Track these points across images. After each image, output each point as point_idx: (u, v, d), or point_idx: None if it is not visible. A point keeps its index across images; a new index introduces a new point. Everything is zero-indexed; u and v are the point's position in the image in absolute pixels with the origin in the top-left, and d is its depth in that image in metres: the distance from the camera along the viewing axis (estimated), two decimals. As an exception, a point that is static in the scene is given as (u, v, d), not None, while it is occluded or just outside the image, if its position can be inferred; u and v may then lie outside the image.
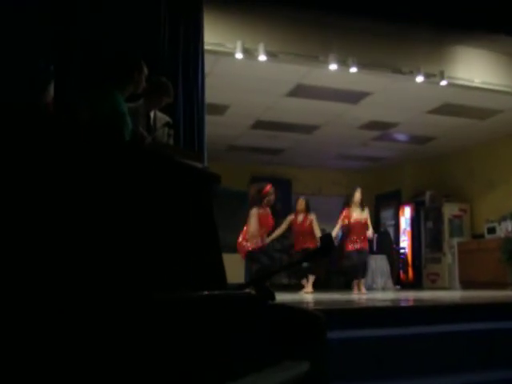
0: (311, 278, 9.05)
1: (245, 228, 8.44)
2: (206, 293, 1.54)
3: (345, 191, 11.04)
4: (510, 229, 10.69)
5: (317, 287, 9.29)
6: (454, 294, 9.03)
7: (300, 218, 9.33)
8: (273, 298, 1.76)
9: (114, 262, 1.35)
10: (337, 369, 3.29)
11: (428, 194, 13.49)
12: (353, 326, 4.25)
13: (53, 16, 5.19)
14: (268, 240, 8.64)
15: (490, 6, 7.35)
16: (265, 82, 8.66)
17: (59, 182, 1.27)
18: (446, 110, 10.02)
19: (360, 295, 8.38)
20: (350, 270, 9.22)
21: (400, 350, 4.05)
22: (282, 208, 9.54)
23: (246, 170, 13.12)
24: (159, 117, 5.20)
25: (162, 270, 1.49)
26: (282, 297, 2.71)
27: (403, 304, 6.21)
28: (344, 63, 7.70)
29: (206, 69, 6.49)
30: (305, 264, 8.66)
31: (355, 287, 9.10)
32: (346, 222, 9.12)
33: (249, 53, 7.26)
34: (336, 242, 9.20)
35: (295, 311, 1.82)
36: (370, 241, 10.46)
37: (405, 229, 14.14)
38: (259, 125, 11.10)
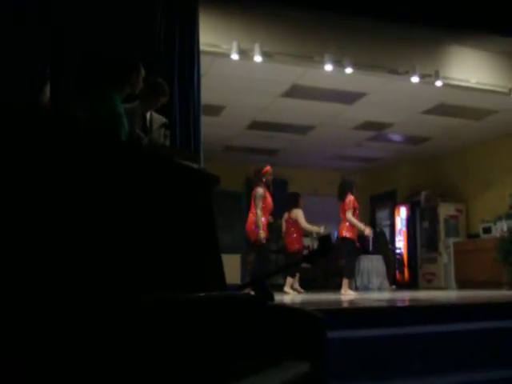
0: (289, 280, 9.03)
1: (250, 215, 8.35)
2: (206, 294, 1.54)
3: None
4: (505, 229, 10.71)
5: (313, 288, 9.27)
6: (450, 294, 9.05)
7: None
8: (272, 298, 1.76)
9: (114, 263, 1.35)
10: (334, 368, 3.30)
11: (423, 194, 13.51)
12: (349, 326, 4.25)
13: (49, 16, 5.17)
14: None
15: (485, 6, 7.37)
16: (260, 83, 8.67)
17: (58, 182, 1.27)
18: (442, 110, 10.04)
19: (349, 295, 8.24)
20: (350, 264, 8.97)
21: (396, 350, 4.05)
22: (277, 208, 9.50)
23: (241, 171, 13.10)
24: (155, 118, 5.20)
25: (162, 271, 1.49)
26: (279, 297, 2.71)
27: (399, 304, 6.21)
28: (339, 64, 7.71)
29: (202, 70, 6.50)
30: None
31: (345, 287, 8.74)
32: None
33: (244, 53, 7.26)
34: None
35: (295, 312, 1.82)
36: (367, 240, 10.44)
37: (400, 229, 14.16)
38: (255, 125, 11.10)
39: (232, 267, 8.68)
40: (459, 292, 10.10)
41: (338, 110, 10.17)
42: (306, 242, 11.77)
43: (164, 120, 5.21)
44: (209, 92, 7.34)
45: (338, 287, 9.33)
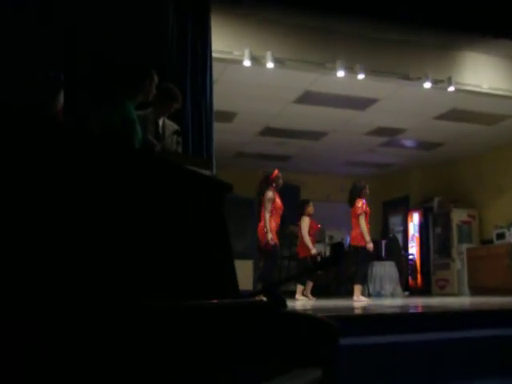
0: (299, 287, 9.09)
1: (261, 222, 8.35)
2: (219, 301, 1.54)
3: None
4: (518, 234, 10.66)
5: (326, 294, 9.25)
6: (464, 301, 8.99)
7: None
8: (285, 305, 1.76)
9: (126, 270, 1.36)
10: (345, 376, 3.28)
11: (436, 200, 13.46)
12: (362, 332, 4.24)
13: (61, 22, 5.20)
14: None
15: (497, 12, 7.35)
16: (273, 89, 8.69)
17: (70, 190, 1.28)
18: (454, 115, 10.01)
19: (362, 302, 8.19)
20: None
21: (409, 357, 4.03)
22: (289, 214, 9.52)
23: (254, 177, 13.11)
24: (168, 124, 5.22)
25: (175, 278, 1.49)
26: (291, 304, 2.71)
27: (412, 310, 6.18)
28: (351, 70, 7.72)
29: (214, 76, 6.52)
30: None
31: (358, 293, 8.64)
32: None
33: (257, 60, 7.29)
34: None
35: (308, 319, 1.81)
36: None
37: (413, 235, 14.11)
38: (267, 132, 11.12)
39: (244, 273, 8.64)
40: (472, 298, 10.03)
41: (351, 116, 10.16)
42: (319, 247, 11.74)
43: (176, 127, 5.23)
44: (221, 98, 7.37)
45: (350, 294, 9.29)
